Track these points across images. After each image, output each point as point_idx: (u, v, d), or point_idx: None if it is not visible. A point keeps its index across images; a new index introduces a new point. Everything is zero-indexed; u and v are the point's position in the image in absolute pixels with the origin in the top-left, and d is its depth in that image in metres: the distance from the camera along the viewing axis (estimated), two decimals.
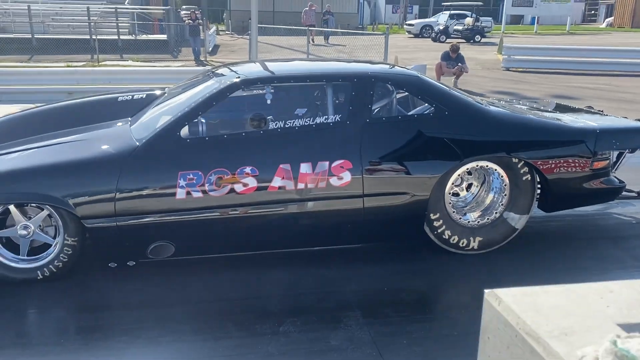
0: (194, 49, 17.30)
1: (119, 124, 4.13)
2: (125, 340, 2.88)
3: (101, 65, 13.83)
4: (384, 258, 3.90)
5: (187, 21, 18.52)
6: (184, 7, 30.30)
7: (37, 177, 3.37)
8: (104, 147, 3.56)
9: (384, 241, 4.08)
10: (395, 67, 4.58)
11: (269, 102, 3.98)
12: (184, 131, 3.56)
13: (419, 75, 4.28)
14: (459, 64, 11.71)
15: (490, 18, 33.73)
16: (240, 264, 3.73)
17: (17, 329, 3.09)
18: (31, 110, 4.53)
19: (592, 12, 53.00)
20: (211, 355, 2.76)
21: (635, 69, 15.12)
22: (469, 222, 3.95)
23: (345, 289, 3.49)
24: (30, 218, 3.43)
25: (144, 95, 4.53)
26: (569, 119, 4.34)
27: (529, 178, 3.90)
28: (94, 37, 16.59)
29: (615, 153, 4.31)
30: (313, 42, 20.52)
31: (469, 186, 4.08)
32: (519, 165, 3.87)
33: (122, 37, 18.54)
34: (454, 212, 3.90)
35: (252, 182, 3.45)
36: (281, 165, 3.48)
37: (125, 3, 21.07)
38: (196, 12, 19.21)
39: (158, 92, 4.57)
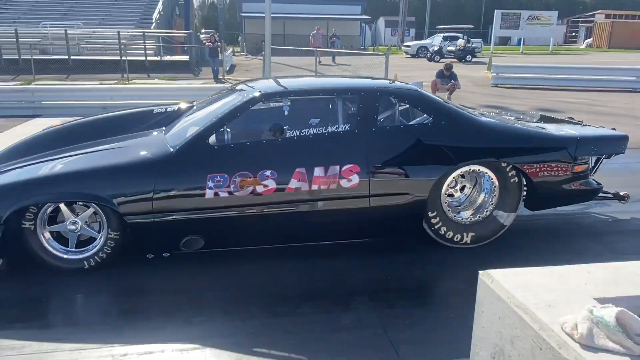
0: (213, 68, 17.28)
1: (155, 133, 4.18)
2: (162, 320, 2.93)
3: (131, 83, 13.95)
4: (388, 250, 3.92)
5: (206, 44, 18.53)
6: (203, 30, 30.45)
7: (85, 179, 3.41)
8: (143, 153, 3.61)
9: (387, 236, 4.10)
10: (396, 82, 4.62)
11: (286, 113, 4.02)
12: (212, 139, 3.58)
13: (419, 89, 4.29)
14: (452, 81, 11.73)
15: (480, 39, 33.63)
16: (262, 255, 3.75)
17: (67, 311, 3.16)
18: (78, 122, 4.56)
19: (573, 34, 52.86)
20: (238, 333, 2.79)
21: (611, 85, 15.08)
22: (462, 219, 3.98)
23: (354, 277, 3.51)
24: (78, 215, 3.47)
25: (176, 107, 4.57)
26: (552, 128, 4.37)
27: (516, 180, 3.93)
28: (123, 58, 16.72)
29: (594, 158, 4.32)
30: (320, 62, 20.59)
31: (463, 188, 4.10)
32: (507, 169, 3.89)
33: (149, 58, 18.62)
34: (449, 210, 3.92)
35: (271, 184, 3.48)
36: (297, 169, 3.51)
37: (152, 27, 21.23)
38: (215, 35, 19.27)
39: (188, 106, 4.58)
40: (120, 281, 3.44)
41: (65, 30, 18.48)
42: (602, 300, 1.59)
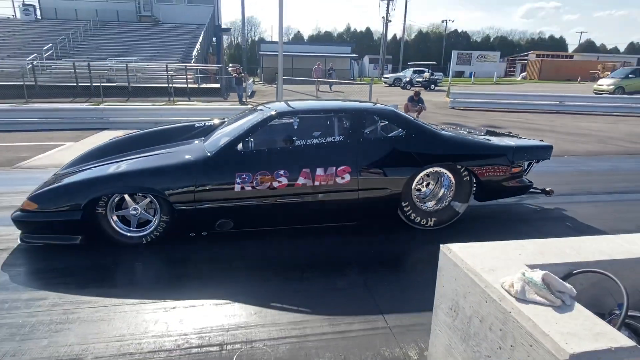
0: (238, 93, 17.19)
1: (196, 141, 4.19)
2: (201, 282, 2.95)
3: (176, 104, 13.93)
4: (371, 231, 3.92)
5: (233, 75, 18.49)
6: (230, 64, 30.37)
7: (143, 176, 3.42)
8: (187, 156, 3.61)
9: (371, 220, 4.10)
10: (378, 104, 4.62)
11: (295, 127, 4.02)
12: (239, 146, 3.58)
13: (395, 110, 4.29)
14: (420, 104, 11.70)
15: (441, 73, 33.67)
16: (276, 234, 3.76)
17: (130, 275, 3.16)
18: (137, 133, 4.55)
19: (512, 69, 52.74)
20: (258, 292, 2.80)
21: (539, 107, 15.07)
22: (427, 208, 4.00)
23: (345, 251, 3.53)
24: (138, 203, 3.49)
25: (212, 123, 4.57)
26: (495, 140, 4.39)
27: (468, 179, 3.96)
28: (170, 85, 16.70)
29: (526, 162, 4.33)
30: (319, 89, 20.56)
31: (428, 184, 4.09)
32: (461, 170, 3.92)
33: (189, 85, 18.58)
34: (417, 201, 3.95)
35: (284, 180, 3.50)
36: (303, 169, 3.53)
37: (192, 62, 21.17)
38: (239, 68, 19.22)
39: (220, 121, 4.58)
40: (169, 253, 3.44)
41: (126, 64, 18.44)
42: (532, 267, 1.62)
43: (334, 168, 3.59)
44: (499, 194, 4.29)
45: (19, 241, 3.40)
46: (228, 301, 2.70)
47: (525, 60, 49.65)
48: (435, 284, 1.90)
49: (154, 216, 3.52)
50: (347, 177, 3.62)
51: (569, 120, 12.94)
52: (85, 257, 3.31)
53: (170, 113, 10.86)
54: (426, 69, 29.48)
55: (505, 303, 1.40)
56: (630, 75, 21.89)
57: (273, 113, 3.82)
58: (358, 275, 3.08)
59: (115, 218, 3.48)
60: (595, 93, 20.79)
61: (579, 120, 12.96)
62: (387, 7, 43.05)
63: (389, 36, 49.66)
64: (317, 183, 3.57)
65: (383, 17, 43.69)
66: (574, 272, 1.63)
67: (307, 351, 2.24)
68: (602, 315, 1.51)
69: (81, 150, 4.73)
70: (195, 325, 2.45)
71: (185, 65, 19.51)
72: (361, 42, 60.05)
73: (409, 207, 3.88)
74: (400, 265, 3.41)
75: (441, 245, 1.86)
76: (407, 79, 28.61)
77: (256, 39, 58.97)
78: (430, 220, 3.97)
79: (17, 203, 3.54)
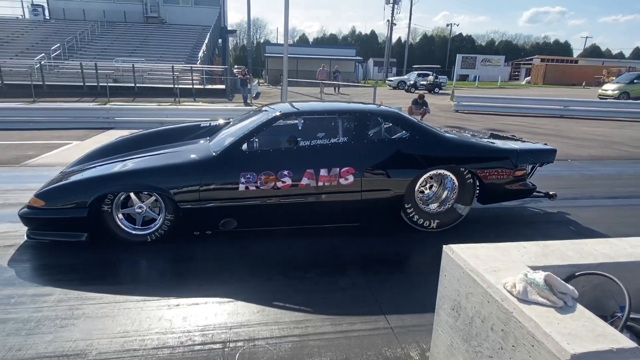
0: (243, 95, 17.26)
1: (202, 141, 4.20)
2: (205, 280, 2.96)
3: (181, 105, 13.99)
4: (374, 232, 3.92)
5: (238, 76, 18.48)
6: (236, 66, 30.43)
7: (149, 174, 3.42)
8: (192, 156, 3.62)
9: (374, 221, 4.10)
10: (382, 106, 4.62)
11: (299, 128, 4.03)
12: (244, 146, 3.59)
13: (399, 111, 4.29)
14: (424, 107, 11.70)
15: (445, 76, 33.46)
16: (280, 234, 3.77)
17: (134, 272, 3.17)
18: (143, 132, 4.56)
19: (516, 73, 52.64)
20: (261, 291, 2.81)
21: (544, 112, 15.02)
22: (430, 210, 3.98)
23: (348, 251, 3.52)
24: (143, 201, 3.50)
25: (217, 123, 4.58)
26: (499, 143, 4.36)
27: (472, 181, 3.94)
28: (176, 86, 16.79)
29: (530, 166, 4.31)
30: (322, 91, 20.57)
31: (431, 186, 4.09)
32: (465, 173, 3.90)
33: (195, 86, 18.68)
34: (420, 203, 3.94)
35: (288, 181, 3.50)
36: (307, 170, 3.53)
37: (197, 63, 21.25)
38: (245, 70, 19.28)
39: (225, 122, 4.59)
40: (174, 251, 3.46)
41: (133, 65, 18.54)
42: (534, 268, 1.62)
43: (338, 169, 3.59)
44: (502, 197, 4.27)
45: (25, 237, 3.43)
46: (231, 299, 2.70)
47: (530, 64, 49.51)
48: (437, 284, 1.90)
49: (159, 214, 3.54)
50: (351, 178, 3.62)
51: (573, 124, 12.89)
52: (90, 254, 3.33)
53: (176, 113, 10.88)
54: (430, 72, 29.39)
55: (508, 303, 1.40)
56: (635, 81, 21.76)
57: (278, 114, 3.82)
58: (360, 276, 3.08)
59: (120, 216, 3.49)
60: (600, 98, 20.68)
61: (583, 124, 12.90)
62: (392, 11, 43.07)
63: (394, 39, 49.76)
64: (320, 184, 3.57)
65: (388, 21, 43.70)
66: (576, 274, 1.63)
67: (309, 350, 2.25)
68: (604, 318, 1.51)
69: (87, 149, 4.77)
70: (199, 323, 2.46)
71: (191, 66, 19.59)
72: (366, 45, 60.15)
73: (412, 209, 3.87)
74: (402, 266, 3.40)
75: (444, 245, 1.86)
76: (411, 82, 28.58)
77: (262, 41, 59.11)
78: (433, 223, 3.96)
79: (24, 200, 3.57)
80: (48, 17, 26.74)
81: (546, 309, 1.35)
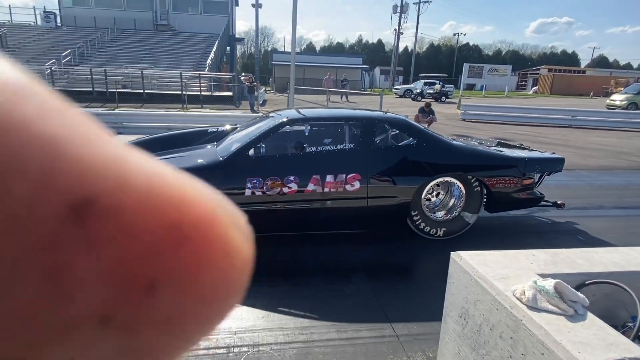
0: (250, 102, 17.32)
1: (209, 146, 4.20)
2: None
3: (189, 111, 14.11)
4: (380, 239, 3.91)
5: (246, 83, 18.62)
6: (243, 74, 30.72)
7: None
8: (199, 160, 3.63)
9: (379, 228, 4.07)
10: (389, 113, 4.62)
11: (306, 134, 4.04)
12: (251, 152, 3.59)
13: (407, 119, 4.31)
14: (430, 116, 11.67)
15: (452, 85, 33.47)
16: (285, 240, 3.76)
17: None
18: (151, 137, 4.60)
19: (523, 82, 52.52)
20: (267, 297, 2.79)
21: (551, 122, 14.96)
22: (437, 218, 3.96)
23: (353, 258, 3.51)
24: None
25: (224, 128, 4.61)
26: (506, 151, 4.34)
27: (479, 189, 3.92)
28: (184, 92, 16.90)
29: (538, 175, 4.28)
30: (330, 100, 20.65)
31: (438, 194, 4.08)
32: (472, 181, 3.89)
33: (202, 93, 18.82)
34: (427, 210, 3.92)
35: (294, 186, 3.49)
36: (314, 176, 3.52)
37: (205, 70, 21.45)
38: (252, 77, 19.41)
39: (232, 127, 4.61)
40: None
41: (142, 71, 18.73)
42: (543, 276, 1.59)
43: (344, 175, 3.58)
44: (510, 205, 4.23)
45: None
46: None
47: (537, 74, 49.41)
48: (443, 293, 1.88)
49: None
50: (357, 184, 3.61)
51: (581, 134, 12.80)
52: None
53: (183, 119, 10.94)
54: (437, 81, 29.40)
55: (517, 311, 1.39)
56: None
57: (284, 120, 3.84)
58: (366, 282, 3.07)
59: None
60: (608, 108, 20.56)
61: (591, 134, 12.81)
62: (399, 20, 43.33)
63: (401, 48, 49.90)
64: (326, 190, 3.56)
65: (395, 30, 43.94)
66: (587, 282, 1.61)
67: (314, 357, 2.23)
68: (615, 327, 1.48)
69: None
70: None
71: (199, 74, 19.76)
72: (373, 53, 60.46)
73: (418, 217, 3.85)
74: (408, 274, 3.39)
75: (452, 252, 1.84)
76: (418, 91, 28.57)
77: (269, 49, 59.64)
78: (440, 231, 3.93)
79: None
80: (60, 24, 27.20)
81: (556, 316, 1.33)
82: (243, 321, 2.52)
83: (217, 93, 20.14)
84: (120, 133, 10.07)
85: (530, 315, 1.33)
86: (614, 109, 20.29)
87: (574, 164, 7.82)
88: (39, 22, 27.54)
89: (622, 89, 27.36)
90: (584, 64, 67.52)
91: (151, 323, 0.12)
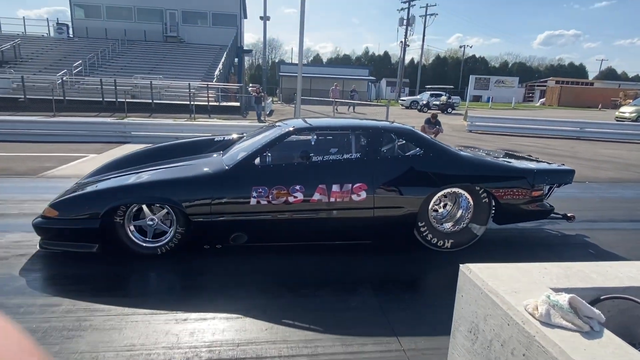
0: (257, 112, 17.44)
1: (215, 155, 4.22)
2: (214, 295, 2.91)
3: (196, 121, 14.20)
4: (386, 251, 3.85)
5: (253, 94, 18.78)
6: (251, 84, 30.94)
7: (162, 187, 3.44)
8: (205, 169, 3.63)
9: (386, 239, 4.03)
10: (396, 123, 4.59)
11: (312, 143, 4.03)
12: (257, 161, 3.59)
13: (413, 129, 4.27)
14: (437, 127, 11.60)
15: (458, 97, 33.54)
16: (290, 250, 3.72)
17: (143, 285, 3.15)
18: (158, 146, 4.63)
19: (530, 94, 52.35)
20: (270, 308, 2.75)
21: (560, 133, 14.83)
22: (445, 229, 3.90)
23: (359, 269, 3.45)
24: (155, 214, 3.50)
25: (231, 137, 4.61)
26: (515, 162, 4.27)
27: (487, 200, 3.86)
28: (192, 102, 17.08)
29: (547, 186, 4.22)
30: (337, 110, 20.71)
31: (445, 205, 4.02)
32: (480, 192, 3.84)
33: (210, 103, 18.98)
34: (434, 222, 3.86)
35: (300, 196, 3.47)
36: (320, 185, 3.50)
37: (213, 81, 21.66)
38: (259, 88, 19.58)
39: (239, 136, 4.61)
40: (183, 264, 3.43)
41: (151, 82, 18.98)
42: (556, 290, 1.54)
43: (350, 185, 3.55)
44: (519, 217, 4.16)
45: (38, 247, 3.45)
46: (239, 315, 2.65)
47: (544, 86, 49.25)
48: (452, 306, 1.82)
49: (170, 227, 3.53)
50: (363, 194, 3.57)
51: (590, 146, 12.67)
52: (100, 266, 3.32)
53: (191, 129, 11.03)
54: (443, 93, 29.40)
55: (529, 327, 1.33)
56: None
57: (291, 129, 3.83)
58: (372, 295, 3.00)
59: (132, 228, 3.49)
60: (617, 120, 20.39)
61: (600, 147, 12.67)
62: (406, 33, 43.61)
63: (407, 60, 50.08)
64: (332, 199, 3.53)
65: (401, 42, 44.19)
66: (602, 297, 1.55)
67: None
68: (632, 345, 1.42)
69: (103, 162, 4.82)
70: (206, 339, 2.40)
71: (207, 84, 19.97)
72: (379, 65, 60.70)
73: (425, 228, 3.80)
74: (415, 286, 3.32)
75: (461, 265, 1.79)
76: (424, 102, 28.54)
77: (277, 60, 60.20)
78: (448, 242, 3.87)
79: (39, 210, 3.60)
80: (72, 36, 27.72)
81: (571, 333, 1.28)
82: (246, 333, 2.47)
83: (224, 103, 20.28)
84: (127, 142, 10.16)
85: (544, 331, 1.28)
86: (624, 121, 20.11)
87: (583, 176, 7.72)
88: (51, 34, 28.09)
89: (631, 101, 27.16)
90: (591, 76, 67.22)
91: None
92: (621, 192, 6.83)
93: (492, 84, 46.23)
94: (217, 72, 23.08)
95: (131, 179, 3.62)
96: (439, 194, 3.79)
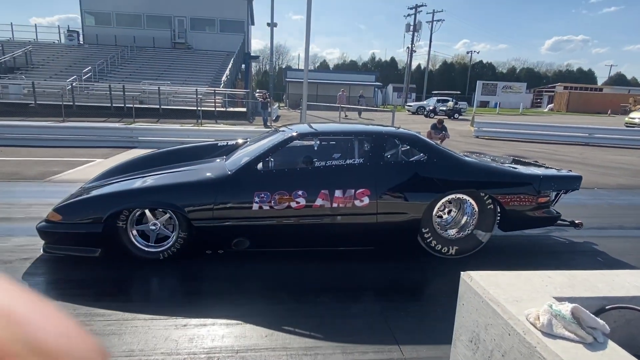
0: (264, 117, 17.47)
1: (218, 160, 4.22)
2: (214, 301, 2.89)
3: (203, 126, 14.28)
4: (389, 257, 3.81)
5: (259, 99, 18.88)
6: (257, 90, 31.10)
7: (165, 192, 3.44)
8: (208, 174, 3.63)
9: (389, 246, 3.99)
10: (400, 128, 4.57)
11: (315, 149, 4.02)
12: (259, 166, 3.59)
13: (418, 134, 4.24)
14: (443, 132, 11.55)
15: (465, 102, 33.33)
16: (292, 256, 3.70)
17: (144, 290, 3.15)
18: (163, 150, 4.66)
19: (538, 100, 52.01)
20: (271, 314, 2.73)
21: (568, 139, 14.68)
22: (449, 235, 3.85)
23: (362, 276, 3.42)
24: (158, 218, 3.50)
25: (234, 142, 4.62)
26: (521, 168, 4.22)
27: (492, 207, 3.81)
28: (199, 108, 17.19)
29: (554, 193, 4.15)
30: (346, 116, 20.70)
31: (450, 211, 3.98)
32: (485, 198, 3.79)
33: (217, 108, 19.10)
34: (438, 228, 3.82)
35: (302, 201, 3.45)
36: (322, 191, 3.48)
37: (221, 87, 21.80)
38: (266, 93, 19.60)
39: (243, 141, 4.62)
40: (185, 269, 3.42)
41: (158, 87, 19.15)
42: (560, 299, 1.50)
43: (353, 190, 3.52)
44: (525, 224, 4.10)
45: (41, 251, 3.46)
46: (239, 321, 2.62)
47: (552, 91, 48.92)
48: (454, 314, 1.79)
49: (172, 232, 3.53)
50: (366, 200, 3.54)
51: (599, 152, 12.51)
52: (102, 270, 3.33)
53: (197, 134, 11.09)
54: (450, 98, 29.26)
55: (530, 337, 1.29)
56: None
57: (294, 134, 3.83)
58: (374, 302, 2.97)
59: (135, 232, 3.50)
60: (627, 126, 20.14)
61: (610, 153, 12.51)
62: (412, 39, 43.62)
63: (413, 66, 50.00)
64: (335, 205, 3.51)
65: (408, 48, 44.21)
66: (607, 307, 1.50)
67: None
68: (637, 358, 1.37)
69: (109, 166, 4.85)
70: (205, 345, 2.38)
71: (214, 90, 20.10)
72: (386, 71, 60.77)
73: (429, 234, 3.75)
74: (418, 294, 3.27)
75: (462, 272, 1.75)
76: (431, 108, 28.45)
77: (284, 66, 60.53)
78: (452, 249, 3.82)
79: (45, 215, 3.62)
80: (82, 42, 28.14)
81: (574, 344, 1.24)
82: (245, 339, 2.44)
83: (231, 109, 20.40)
84: (134, 147, 10.23)
85: (545, 342, 1.24)
86: (633, 127, 19.84)
87: (592, 182, 7.60)
88: (62, 41, 28.54)
89: None
90: (600, 81, 66.63)
91: None
92: (630, 198, 6.72)
93: (499, 89, 46.03)
94: (224, 78, 23.24)
95: (135, 183, 3.63)
96: (443, 200, 3.75)
